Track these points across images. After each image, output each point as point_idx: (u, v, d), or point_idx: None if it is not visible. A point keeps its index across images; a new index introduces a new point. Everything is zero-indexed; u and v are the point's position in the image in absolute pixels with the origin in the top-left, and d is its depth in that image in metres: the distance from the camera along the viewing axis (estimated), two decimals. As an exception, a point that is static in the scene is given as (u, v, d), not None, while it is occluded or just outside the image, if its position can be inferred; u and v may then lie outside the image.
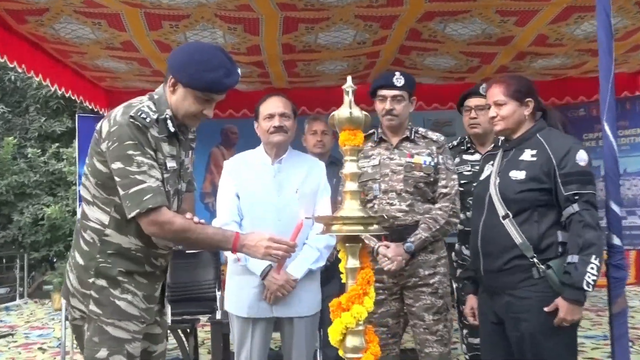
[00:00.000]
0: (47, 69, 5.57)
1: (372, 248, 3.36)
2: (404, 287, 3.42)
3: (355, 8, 4.53)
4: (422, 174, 3.41)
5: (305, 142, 4.68)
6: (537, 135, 2.88)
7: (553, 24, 4.96)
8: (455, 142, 4.15)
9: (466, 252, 3.67)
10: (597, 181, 2.82)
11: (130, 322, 2.44)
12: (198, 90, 2.45)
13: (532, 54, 5.88)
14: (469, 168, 3.94)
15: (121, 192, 2.35)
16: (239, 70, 2.56)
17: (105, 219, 2.45)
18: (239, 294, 3.28)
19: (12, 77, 13.08)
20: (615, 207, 2.87)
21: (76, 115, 7.35)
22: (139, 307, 2.47)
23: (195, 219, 2.48)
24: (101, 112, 7.12)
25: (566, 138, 2.85)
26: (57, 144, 12.72)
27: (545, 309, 2.70)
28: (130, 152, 2.34)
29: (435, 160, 3.44)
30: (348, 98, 2.17)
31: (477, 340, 3.66)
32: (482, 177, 3.07)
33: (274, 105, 3.32)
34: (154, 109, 2.46)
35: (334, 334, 2.10)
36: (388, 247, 3.33)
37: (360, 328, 2.09)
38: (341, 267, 2.16)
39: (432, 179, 3.43)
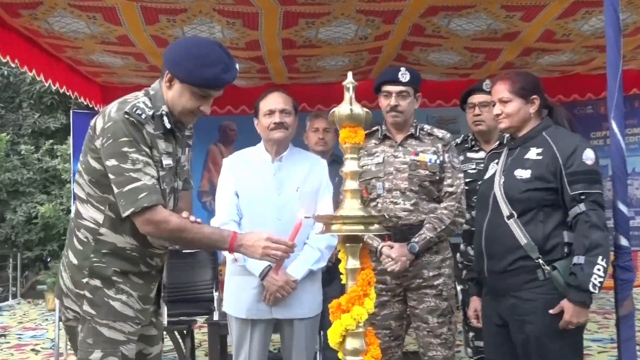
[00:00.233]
0: (41, 64, 5.55)
1: (376, 248, 3.33)
2: (408, 289, 3.39)
3: (357, 2, 4.50)
4: (427, 172, 3.37)
5: (307, 139, 4.65)
6: (543, 133, 2.85)
7: (560, 19, 4.92)
8: (459, 140, 4.14)
9: (472, 252, 3.63)
10: (604, 180, 2.82)
11: (125, 323, 2.41)
12: (195, 86, 2.42)
13: (538, 50, 5.85)
14: (474, 166, 3.91)
15: (116, 190, 2.33)
16: (238, 66, 2.54)
17: (100, 218, 2.42)
18: (237, 295, 3.25)
19: (5, 72, 13.04)
20: (622, 207, 2.85)
21: (71, 111, 7.30)
22: (134, 307, 2.44)
23: (192, 218, 2.45)
24: (96, 108, 7.07)
25: (573, 136, 2.83)
26: (51, 141, 12.66)
27: (551, 312, 2.68)
28: (125, 149, 2.31)
29: (441, 158, 3.41)
30: (349, 94, 2.15)
31: (483, 343, 3.62)
32: (487, 176, 3.04)
33: (274, 101, 3.29)
34: (149, 105, 2.43)
35: (333, 336, 2.08)
36: (392, 247, 3.30)
37: (361, 330, 2.07)
38: (341, 267, 2.14)
39: (437, 178, 3.39)
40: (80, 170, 2.45)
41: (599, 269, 2.58)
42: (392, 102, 3.39)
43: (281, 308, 3.18)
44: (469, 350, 4.15)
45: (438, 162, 3.38)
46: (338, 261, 2.20)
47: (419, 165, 3.37)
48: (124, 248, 2.43)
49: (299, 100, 3.52)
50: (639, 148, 6.95)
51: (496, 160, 3.01)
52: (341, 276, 2.14)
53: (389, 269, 3.26)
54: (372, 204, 3.39)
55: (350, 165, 2.13)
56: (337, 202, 3.38)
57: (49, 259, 12.20)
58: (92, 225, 2.42)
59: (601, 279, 2.58)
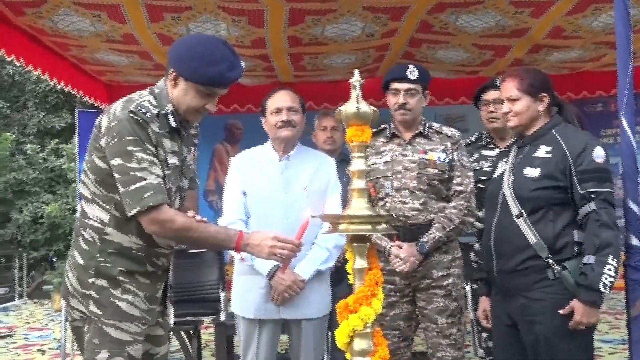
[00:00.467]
0: (46, 63, 5.57)
1: (384, 248, 3.30)
2: (416, 289, 3.36)
3: (364, -1, 4.47)
4: (436, 171, 3.34)
5: (315, 138, 4.65)
6: (553, 131, 2.83)
7: (569, 15, 4.92)
8: (473, 138, 4.11)
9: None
10: (615, 179, 2.80)
11: (131, 323, 2.40)
12: (200, 84, 2.41)
13: (547, 47, 5.85)
14: (489, 164, 3.87)
15: (121, 190, 2.32)
16: (243, 64, 2.52)
17: (105, 217, 2.41)
18: (245, 295, 3.23)
19: (10, 71, 13.09)
20: (633, 205, 2.81)
21: (76, 110, 7.35)
22: (140, 308, 2.43)
23: (198, 217, 2.44)
24: (101, 107, 7.11)
25: (582, 134, 2.81)
26: (56, 140, 12.72)
27: (561, 312, 2.65)
28: (130, 148, 2.30)
29: (450, 156, 3.37)
30: (355, 92, 2.13)
31: (493, 344, 3.61)
32: (496, 174, 3.02)
33: (281, 99, 3.27)
34: (154, 103, 2.42)
35: (341, 337, 2.06)
36: (400, 247, 3.27)
37: (368, 330, 2.06)
38: (348, 267, 2.12)
39: (446, 176, 3.36)
40: (86, 169, 2.45)
41: (609, 269, 2.55)
42: (400, 100, 3.35)
43: (289, 308, 3.16)
44: (480, 351, 4.12)
45: (447, 160, 3.35)
46: (347, 261, 2.19)
47: (428, 163, 3.34)
48: (129, 248, 2.41)
49: (305, 98, 3.51)
50: (650, 146, 6.91)
51: (505, 159, 2.99)
52: (349, 276, 2.12)
53: (397, 269, 3.24)
54: (381, 203, 3.37)
55: (357, 163, 2.12)
56: (345, 201, 3.36)
57: (54, 259, 12.22)
58: (98, 225, 2.41)
59: (612, 279, 2.56)
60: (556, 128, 2.83)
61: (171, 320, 4.96)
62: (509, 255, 2.79)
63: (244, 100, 7.23)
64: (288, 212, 3.14)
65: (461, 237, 3.46)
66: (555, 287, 2.68)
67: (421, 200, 3.31)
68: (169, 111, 2.42)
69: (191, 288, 5.82)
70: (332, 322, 3.36)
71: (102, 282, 2.38)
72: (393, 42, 5.63)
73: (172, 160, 2.44)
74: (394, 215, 3.23)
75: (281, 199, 3.19)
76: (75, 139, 7.94)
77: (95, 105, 7.15)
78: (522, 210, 2.75)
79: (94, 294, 2.38)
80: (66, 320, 5.18)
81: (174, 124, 2.43)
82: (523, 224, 2.74)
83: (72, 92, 6.45)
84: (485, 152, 3.98)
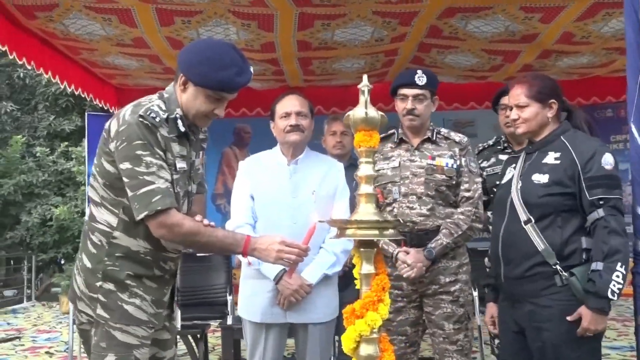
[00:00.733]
0: (57, 66, 5.60)
1: (391, 254, 3.29)
2: (424, 295, 3.35)
3: (373, 4, 4.51)
4: (443, 176, 3.33)
5: (325, 143, 4.63)
6: (561, 137, 2.82)
7: (579, 21, 4.90)
8: (491, 142, 4.11)
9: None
10: (624, 185, 2.76)
11: (138, 327, 2.40)
12: (209, 89, 2.41)
13: (557, 52, 5.83)
14: None
15: (129, 194, 2.32)
16: (252, 68, 2.53)
17: (114, 221, 2.41)
18: (252, 299, 3.23)
19: (21, 74, 13.12)
20: (643, 212, 2.79)
21: (86, 114, 7.37)
22: (148, 311, 2.43)
23: (205, 221, 2.44)
24: (111, 110, 7.14)
25: (591, 140, 2.79)
26: (66, 143, 12.73)
27: (568, 318, 2.64)
28: (139, 152, 2.30)
29: (458, 162, 3.37)
30: (364, 97, 2.11)
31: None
32: (504, 180, 3.01)
33: (290, 104, 3.27)
34: (163, 108, 2.42)
35: (347, 342, 2.04)
36: (408, 252, 3.26)
37: (375, 336, 2.04)
38: (355, 272, 2.11)
39: (454, 182, 3.35)
40: (95, 173, 2.45)
41: (617, 276, 2.54)
42: (409, 105, 3.34)
43: (295, 312, 3.15)
44: (493, 357, 4.09)
45: (455, 166, 3.34)
46: (354, 266, 2.18)
47: (436, 169, 3.33)
48: (137, 251, 2.41)
49: (314, 102, 3.51)
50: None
51: (513, 165, 2.98)
52: (356, 281, 2.11)
53: (404, 275, 3.23)
54: (388, 208, 3.36)
55: (365, 169, 2.10)
56: (353, 207, 3.35)
57: (63, 262, 12.26)
58: (106, 229, 2.41)
59: (620, 286, 2.54)
60: (565, 134, 2.81)
61: (178, 324, 4.95)
62: (517, 261, 2.78)
63: (252, 104, 7.24)
64: (296, 217, 3.13)
65: (476, 243, 3.44)
66: (563, 293, 2.66)
67: (429, 206, 3.30)
68: (178, 116, 2.42)
69: (198, 292, 5.82)
70: (339, 327, 3.37)
71: (110, 286, 2.38)
72: (402, 47, 5.63)
73: (181, 164, 2.44)
74: (402, 221, 3.23)
75: (289, 203, 3.18)
76: (85, 142, 7.97)
77: (105, 108, 7.17)
78: (531, 217, 2.74)
79: (101, 298, 2.38)
80: (74, 323, 5.19)
81: (182, 129, 2.43)
82: (531, 230, 2.73)
83: (82, 95, 6.48)
84: (503, 157, 3.94)
